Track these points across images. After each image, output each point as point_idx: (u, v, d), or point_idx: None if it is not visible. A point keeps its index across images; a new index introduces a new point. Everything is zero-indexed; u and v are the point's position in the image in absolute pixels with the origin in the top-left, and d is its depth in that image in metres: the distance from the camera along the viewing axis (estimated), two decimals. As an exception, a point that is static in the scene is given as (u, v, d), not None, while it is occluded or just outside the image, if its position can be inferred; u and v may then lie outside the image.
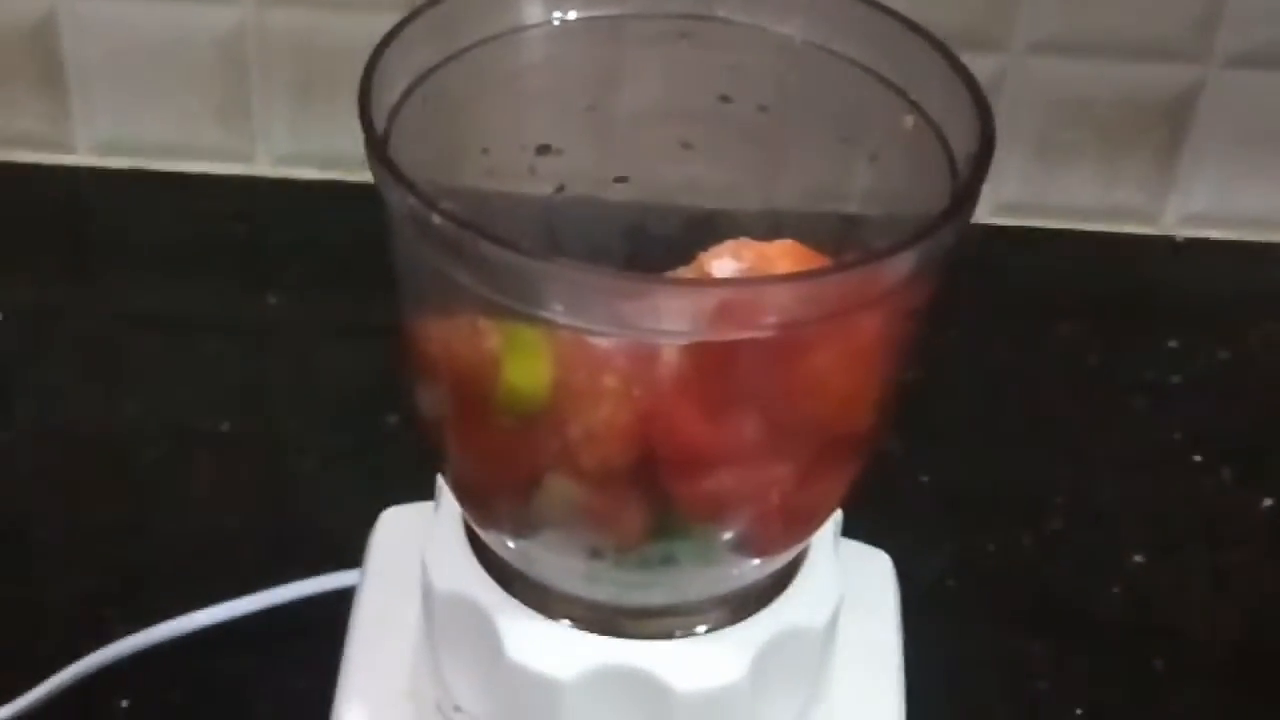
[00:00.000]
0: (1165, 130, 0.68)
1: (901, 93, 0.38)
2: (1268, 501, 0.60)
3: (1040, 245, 0.70)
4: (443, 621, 0.42)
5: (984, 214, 0.70)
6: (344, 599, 0.48)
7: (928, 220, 0.35)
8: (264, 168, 0.72)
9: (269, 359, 0.65)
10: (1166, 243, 0.70)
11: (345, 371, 0.63)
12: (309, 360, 0.64)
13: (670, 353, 0.36)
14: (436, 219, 0.34)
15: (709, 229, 0.41)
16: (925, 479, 0.60)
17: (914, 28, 0.38)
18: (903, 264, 0.34)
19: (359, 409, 0.61)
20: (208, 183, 0.71)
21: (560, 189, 0.42)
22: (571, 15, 0.40)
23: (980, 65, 0.65)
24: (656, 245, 0.42)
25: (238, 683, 0.53)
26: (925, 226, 0.35)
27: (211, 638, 0.53)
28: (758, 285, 0.35)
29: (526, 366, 0.36)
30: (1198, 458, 0.61)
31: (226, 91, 0.70)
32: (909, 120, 0.38)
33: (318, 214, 0.70)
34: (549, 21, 0.40)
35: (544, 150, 0.41)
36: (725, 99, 0.41)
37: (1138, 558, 0.58)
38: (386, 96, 0.37)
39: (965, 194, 0.35)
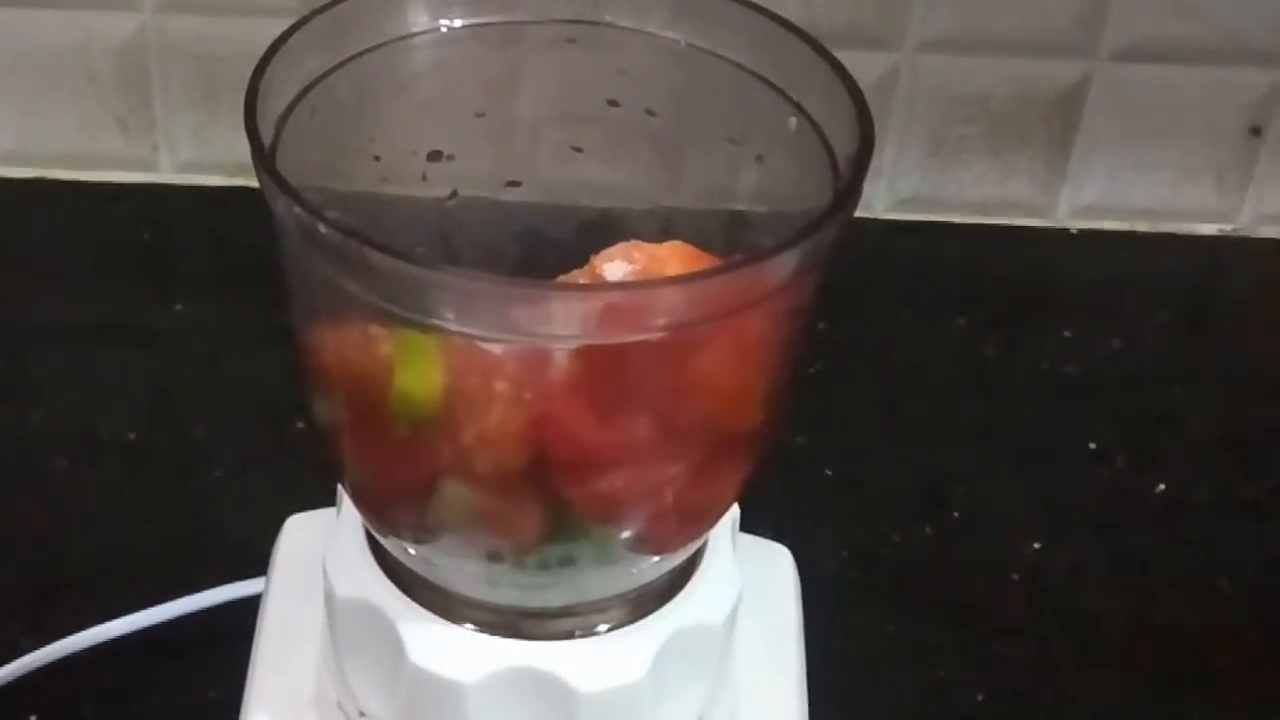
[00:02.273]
0: (1056, 124, 0.69)
1: (785, 95, 0.39)
2: (1161, 487, 0.61)
3: (937, 239, 0.71)
4: (345, 628, 0.42)
5: (882, 209, 0.71)
6: (254, 606, 0.48)
7: (810, 219, 0.35)
8: (168, 175, 0.72)
9: (176, 367, 0.64)
10: (1060, 234, 0.71)
11: (253, 377, 0.63)
12: (216, 367, 0.64)
13: (561, 356, 0.36)
14: (323, 228, 0.34)
15: (601, 231, 0.42)
16: (829, 472, 0.61)
17: (796, 31, 0.39)
18: (786, 263, 0.35)
19: (268, 415, 0.61)
20: (111, 191, 0.71)
21: (453, 194, 0.43)
22: (458, 22, 0.40)
23: (873, 64, 0.68)
24: (550, 248, 0.42)
25: (149, 694, 0.53)
26: (807, 226, 0.35)
27: (122, 649, 0.53)
28: (643, 289, 0.35)
29: (418, 373, 0.36)
30: (1093, 445, 0.62)
31: (128, 99, 0.70)
32: (793, 122, 0.39)
33: (223, 220, 0.70)
34: (437, 28, 0.40)
35: (435, 156, 0.42)
36: (614, 103, 0.41)
37: (1035, 545, 0.59)
38: (274, 106, 0.38)
39: (846, 194, 0.36)
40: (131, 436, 0.61)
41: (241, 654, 0.47)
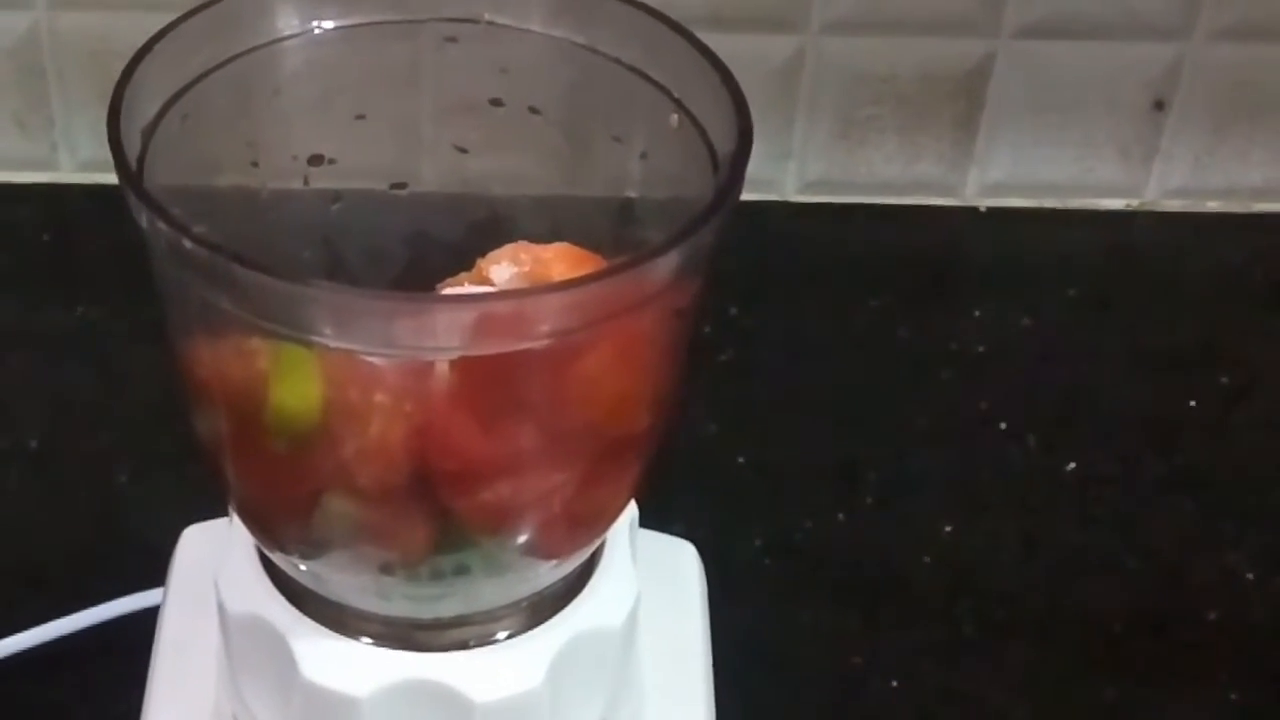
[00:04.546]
0: (962, 103, 0.69)
1: (666, 92, 0.39)
2: (1071, 465, 0.61)
3: (847, 221, 0.70)
4: (238, 642, 0.41)
5: (791, 192, 0.71)
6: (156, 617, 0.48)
7: (688, 219, 0.35)
8: (68, 174, 0.70)
9: (78, 371, 0.63)
10: (969, 213, 0.71)
11: (157, 381, 0.61)
12: (120, 371, 0.63)
13: (441, 366, 0.35)
14: (189, 244, 0.33)
15: (489, 232, 0.41)
16: (740, 459, 0.61)
17: (676, 27, 0.38)
18: (667, 265, 0.35)
19: (173, 420, 0.60)
20: (11, 192, 0.70)
21: (337, 199, 0.42)
22: (331, 24, 0.39)
23: (778, 47, 0.67)
24: (438, 250, 0.42)
25: (54, 708, 0.52)
26: (687, 226, 0.35)
27: (26, 662, 0.52)
28: (521, 297, 0.35)
29: (295, 387, 0.35)
30: (1003, 425, 0.62)
31: (25, 98, 0.68)
32: (674, 119, 0.38)
33: (125, 220, 0.68)
34: (309, 30, 0.39)
35: (317, 160, 0.41)
36: (497, 102, 0.41)
37: (948, 528, 0.59)
38: (141, 114, 0.37)
39: (724, 193, 0.35)
40: (33, 444, 0.60)
41: (146, 666, 0.46)
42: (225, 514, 0.47)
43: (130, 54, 0.61)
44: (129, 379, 0.63)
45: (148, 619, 0.50)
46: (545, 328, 0.34)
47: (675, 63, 0.38)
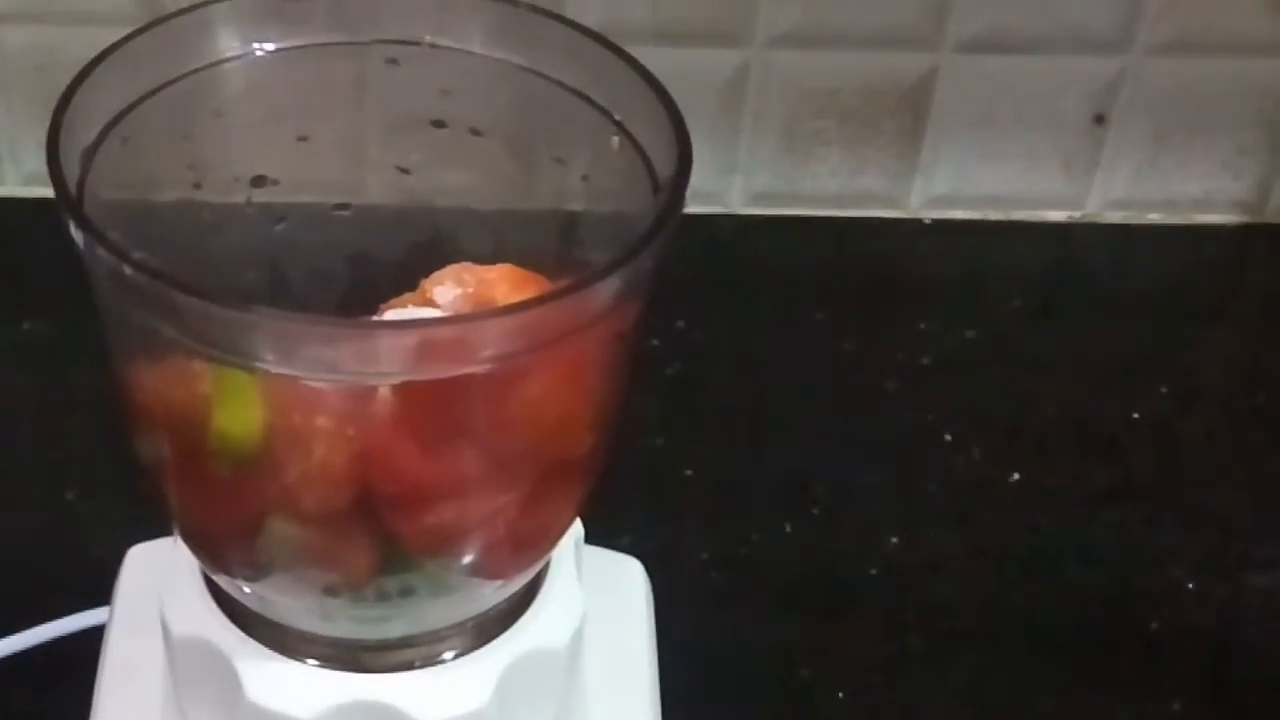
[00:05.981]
0: (906, 116, 0.69)
1: (607, 114, 0.39)
2: (1016, 476, 0.62)
3: (792, 233, 0.71)
4: (183, 664, 0.41)
5: (737, 204, 0.71)
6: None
7: (629, 244, 0.35)
8: (13, 188, 0.70)
9: (24, 386, 0.63)
10: (913, 225, 0.72)
11: (104, 397, 0.61)
12: (66, 387, 0.63)
13: (384, 391, 0.35)
14: (129, 270, 0.33)
15: (432, 253, 0.41)
16: (689, 472, 0.61)
17: (619, 51, 0.38)
18: (608, 289, 0.35)
19: (121, 435, 0.60)
20: (-46, 207, 0.70)
21: (280, 220, 0.42)
22: (270, 46, 0.39)
23: (724, 61, 0.68)
24: (381, 271, 0.42)
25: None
26: (627, 250, 0.35)
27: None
28: (461, 323, 0.35)
29: (237, 412, 0.35)
30: (948, 437, 0.63)
31: (-32, 112, 0.68)
32: (615, 141, 0.38)
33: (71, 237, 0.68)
34: (250, 52, 0.39)
35: (259, 182, 0.41)
36: (439, 124, 0.41)
37: (894, 539, 0.59)
38: (81, 138, 0.37)
39: (664, 217, 0.36)
40: (-21, 460, 0.60)
41: (91, 685, 0.46)
42: (170, 533, 0.47)
43: (75, 67, 0.61)
44: (75, 395, 0.62)
45: (94, 638, 0.50)
46: (487, 352, 0.34)
47: (616, 86, 0.38)
